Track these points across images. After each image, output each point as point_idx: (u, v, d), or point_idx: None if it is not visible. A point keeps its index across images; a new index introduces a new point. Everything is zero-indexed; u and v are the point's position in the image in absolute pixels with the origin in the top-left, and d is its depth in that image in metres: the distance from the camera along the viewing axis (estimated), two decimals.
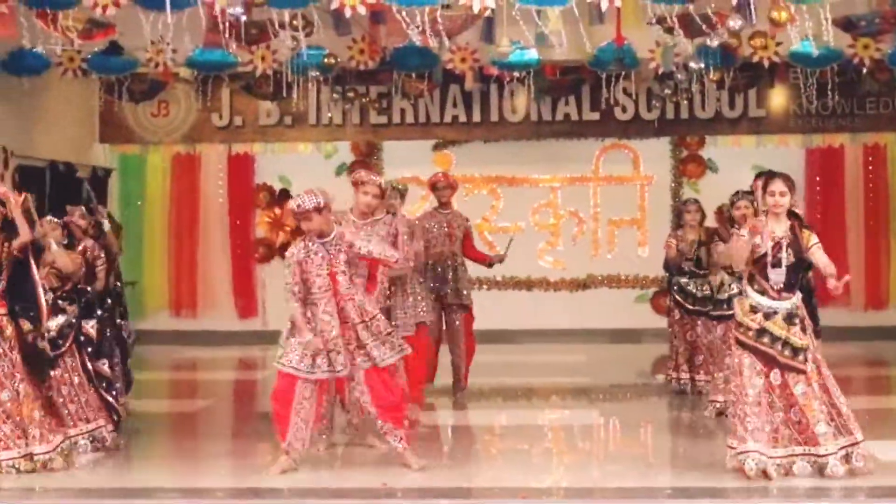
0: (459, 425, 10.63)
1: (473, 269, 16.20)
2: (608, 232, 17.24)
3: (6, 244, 8.18)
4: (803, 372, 7.68)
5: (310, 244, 8.00)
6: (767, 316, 7.72)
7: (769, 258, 7.74)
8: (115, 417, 9.34)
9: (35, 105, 14.38)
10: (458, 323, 11.58)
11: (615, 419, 10.91)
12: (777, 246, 7.75)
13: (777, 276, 7.73)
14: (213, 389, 13.47)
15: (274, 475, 7.97)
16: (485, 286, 16.91)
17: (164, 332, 16.71)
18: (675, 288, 11.26)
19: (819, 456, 7.63)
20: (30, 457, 8.10)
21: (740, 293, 8.03)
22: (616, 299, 16.91)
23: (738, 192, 10.12)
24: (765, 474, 7.52)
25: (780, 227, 7.81)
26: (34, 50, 12.98)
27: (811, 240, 7.80)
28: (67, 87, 14.85)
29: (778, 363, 7.68)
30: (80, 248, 9.55)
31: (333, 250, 7.96)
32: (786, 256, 7.72)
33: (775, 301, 7.73)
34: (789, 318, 7.72)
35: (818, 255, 7.77)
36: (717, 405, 10.08)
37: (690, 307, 11.10)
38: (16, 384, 8.11)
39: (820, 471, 7.60)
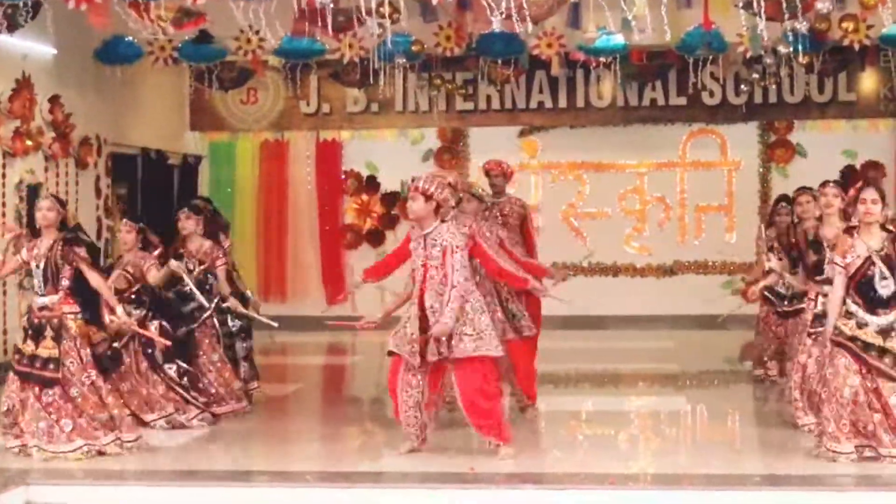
0: (547, 411, 10.63)
1: (559, 255, 16.40)
2: (695, 218, 17.11)
3: (69, 247, 8.30)
4: None
5: (413, 231, 8.04)
6: (860, 325, 7.58)
7: (862, 275, 7.54)
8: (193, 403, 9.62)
9: (127, 93, 14.60)
10: None
11: (702, 406, 10.87)
12: (872, 261, 7.52)
13: (875, 291, 7.55)
14: (302, 374, 13.63)
15: (401, 455, 8.14)
16: (571, 272, 16.87)
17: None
18: (767, 291, 11.02)
19: None
20: (119, 443, 8.33)
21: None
22: (703, 285, 16.77)
23: (800, 188, 10.04)
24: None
25: (874, 240, 7.58)
26: (127, 39, 13.25)
27: None
28: (159, 76, 15.05)
29: (872, 368, 7.53)
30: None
31: (430, 243, 7.85)
32: (879, 272, 7.51)
33: (873, 317, 7.56)
34: (884, 333, 7.54)
35: None
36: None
37: (779, 309, 10.91)
38: (86, 379, 8.26)
39: None
